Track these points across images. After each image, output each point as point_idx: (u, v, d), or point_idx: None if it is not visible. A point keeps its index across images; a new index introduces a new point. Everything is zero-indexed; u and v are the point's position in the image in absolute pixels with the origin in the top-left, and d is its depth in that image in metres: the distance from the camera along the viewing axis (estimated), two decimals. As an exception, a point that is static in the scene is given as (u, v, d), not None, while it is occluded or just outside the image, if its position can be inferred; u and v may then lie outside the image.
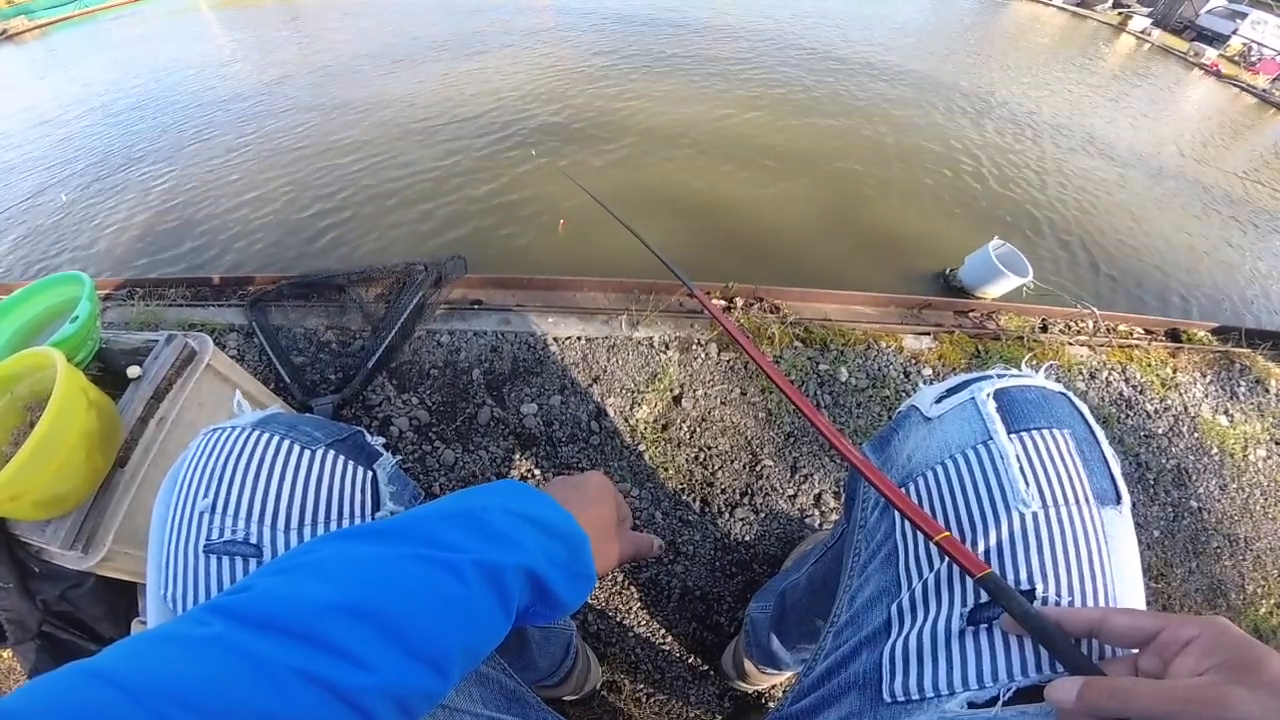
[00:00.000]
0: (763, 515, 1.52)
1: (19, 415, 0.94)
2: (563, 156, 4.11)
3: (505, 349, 1.81)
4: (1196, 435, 1.84)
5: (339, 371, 1.80)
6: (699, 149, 4.25)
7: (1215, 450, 1.83)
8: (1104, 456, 0.51)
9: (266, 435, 0.58)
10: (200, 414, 1.17)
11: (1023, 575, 0.47)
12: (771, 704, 1.32)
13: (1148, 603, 1.46)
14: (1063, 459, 0.50)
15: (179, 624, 0.36)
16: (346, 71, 6.16)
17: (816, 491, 1.56)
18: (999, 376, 0.57)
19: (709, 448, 1.62)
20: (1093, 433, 0.52)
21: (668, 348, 1.80)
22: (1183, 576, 1.58)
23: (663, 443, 1.62)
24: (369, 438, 0.68)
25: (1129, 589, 0.47)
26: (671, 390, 1.72)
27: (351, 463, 0.61)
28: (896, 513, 0.55)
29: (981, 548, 0.49)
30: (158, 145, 4.79)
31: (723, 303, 1.92)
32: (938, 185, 4.15)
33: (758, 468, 1.59)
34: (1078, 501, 0.48)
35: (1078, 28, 15.97)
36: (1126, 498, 0.50)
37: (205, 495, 0.54)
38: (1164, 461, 1.77)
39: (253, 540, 0.53)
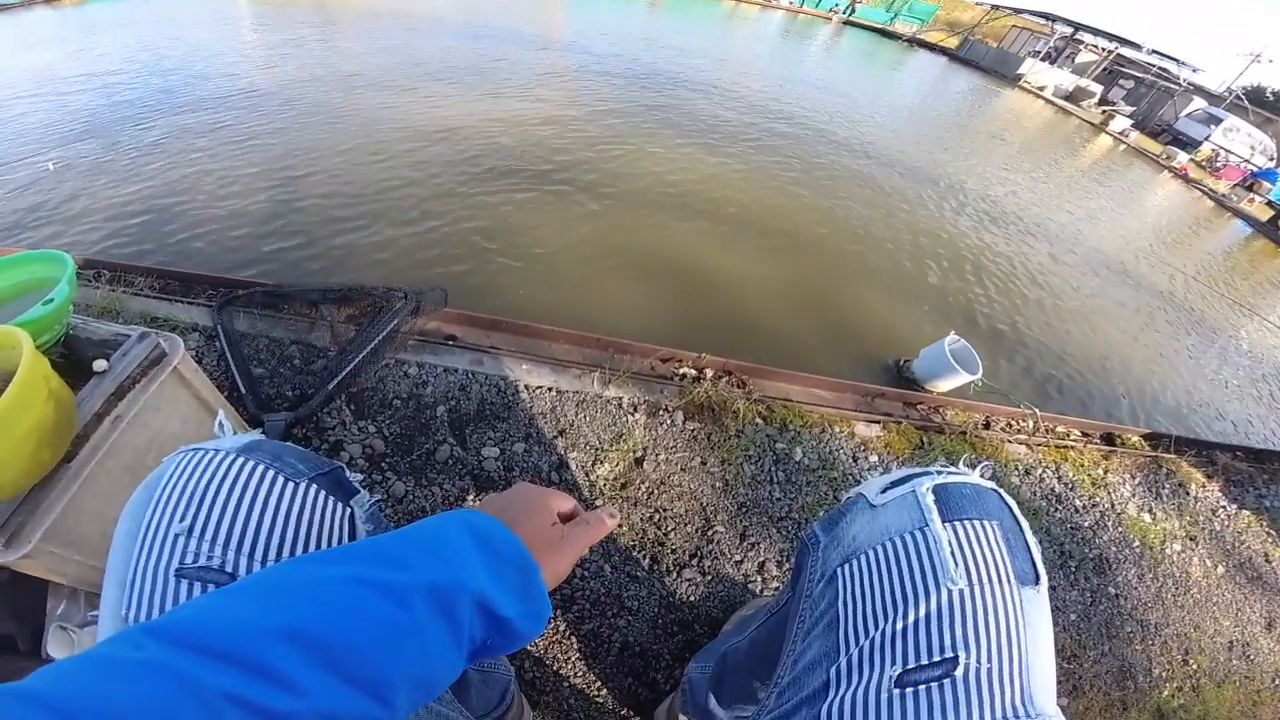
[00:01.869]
0: (709, 578, 1.50)
1: None
2: (561, 201, 4.06)
3: (474, 389, 1.76)
4: (1120, 529, 1.95)
5: (297, 389, 1.71)
6: (687, 213, 4.26)
7: (1136, 543, 1.94)
8: (1026, 544, 0.56)
9: (251, 464, 0.56)
10: (155, 417, 1.09)
11: (948, 642, 0.50)
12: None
13: (1059, 681, 1.49)
14: (989, 544, 0.55)
15: (113, 646, 0.34)
16: (360, 87, 5.96)
17: (762, 559, 1.56)
18: (939, 473, 0.62)
19: (664, 509, 1.60)
20: (1018, 523, 0.58)
21: (636, 410, 1.79)
22: (1095, 659, 1.63)
23: (620, 500, 1.59)
24: (348, 473, 0.67)
25: (1041, 658, 0.51)
26: (634, 452, 1.70)
27: (332, 498, 0.61)
28: (839, 584, 0.60)
29: (912, 617, 0.52)
30: (158, 129, 4.50)
31: (694, 371, 1.93)
32: (908, 274, 4.22)
33: (709, 532, 1.58)
34: (1000, 581, 0.53)
35: (1060, 124, 16.37)
36: (1044, 579, 0.54)
37: (183, 518, 0.51)
38: (1087, 551, 1.86)
39: (228, 569, 0.51)
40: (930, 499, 0.59)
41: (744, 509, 1.64)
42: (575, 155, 4.84)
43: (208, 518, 0.52)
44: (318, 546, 0.57)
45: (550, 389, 1.80)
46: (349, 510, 0.62)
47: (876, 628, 0.54)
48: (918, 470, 0.65)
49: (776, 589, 1.51)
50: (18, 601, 1.06)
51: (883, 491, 0.65)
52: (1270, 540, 2.20)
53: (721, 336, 2.87)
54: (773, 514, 1.65)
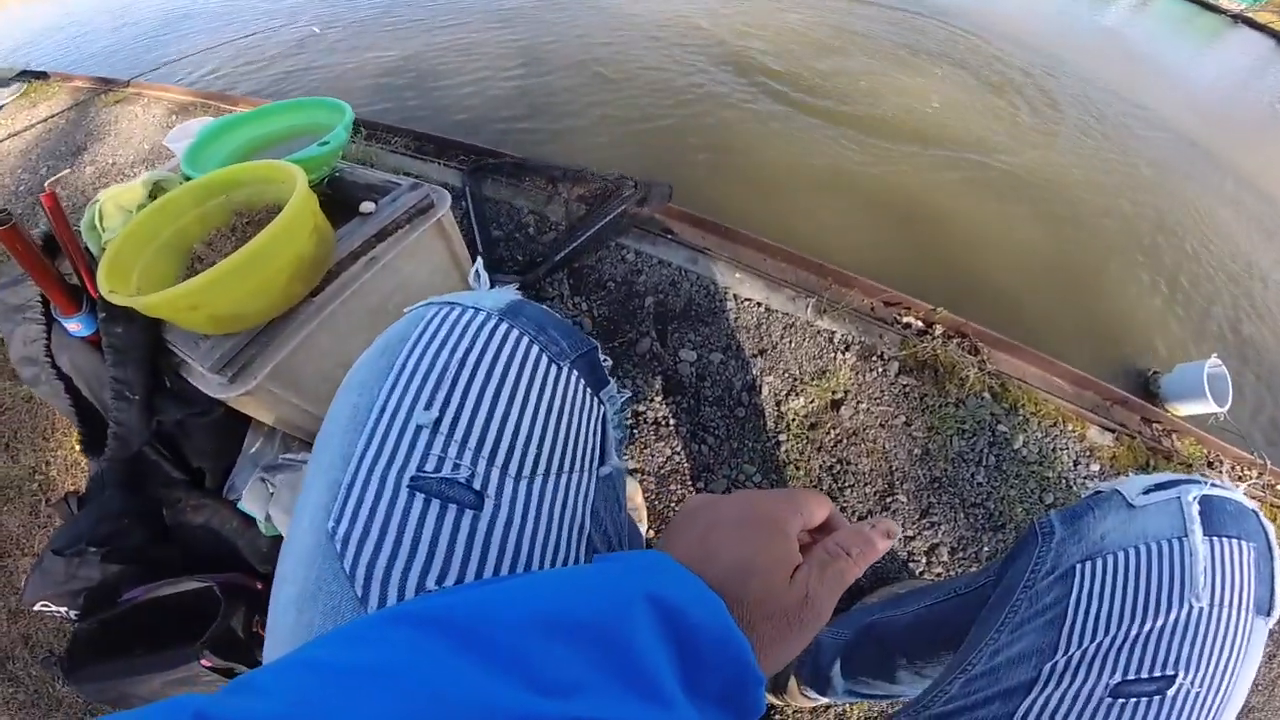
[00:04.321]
0: (871, 545, 1.32)
1: (224, 217, 0.87)
2: (800, 121, 3.61)
3: (684, 287, 1.65)
4: None
5: (526, 255, 1.73)
6: (946, 156, 3.58)
7: None
8: (1273, 572, 0.51)
9: (516, 333, 0.43)
10: (408, 263, 1.09)
11: (1172, 659, 0.46)
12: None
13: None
14: (1241, 567, 0.49)
15: None
16: None
17: (936, 542, 1.34)
18: (1210, 485, 0.55)
19: (848, 463, 1.41)
20: (1271, 550, 0.52)
21: (847, 349, 1.57)
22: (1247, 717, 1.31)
23: (804, 441, 1.43)
24: (601, 355, 0.52)
25: (1242, 691, 0.47)
26: (834, 393, 1.50)
27: (588, 391, 0.47)
28: (1075, 581, 0.54)
29: (1148, 627, 0.48)
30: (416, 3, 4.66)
31: (920, 324, 1.63)
32: (1185, 278, 3.28)
33: (889, 498, 1.38)
34: (1239, 606, 0.48)
35: None
36: (1278, 611, 0.49)
37: (430, 404, 0.38)
38: None
39: (476, 485, 0.37)
40: (1195, 509, 0.52)
41: (937, 484, 1.40)
42: (824, 71, 4.23)
43: (460, 406, 0.39)
44: (573, 459, 0.44)
45: (760, 304, 1.63)
46: (602, 408, 0.49)
47: (1107, 632, 0.49)
48: (1184, 476, 0.57)
49: (938, 575, 1.31)
50: (219, 439, 1.04)
51: (1145, 492, 0.57)
52: None
53: (957, 294, 2.41)
54: (967, 498, 1.39)
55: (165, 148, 1.55)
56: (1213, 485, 0.55)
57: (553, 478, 0.42)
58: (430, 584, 0.35)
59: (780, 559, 0.37)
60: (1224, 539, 0.51)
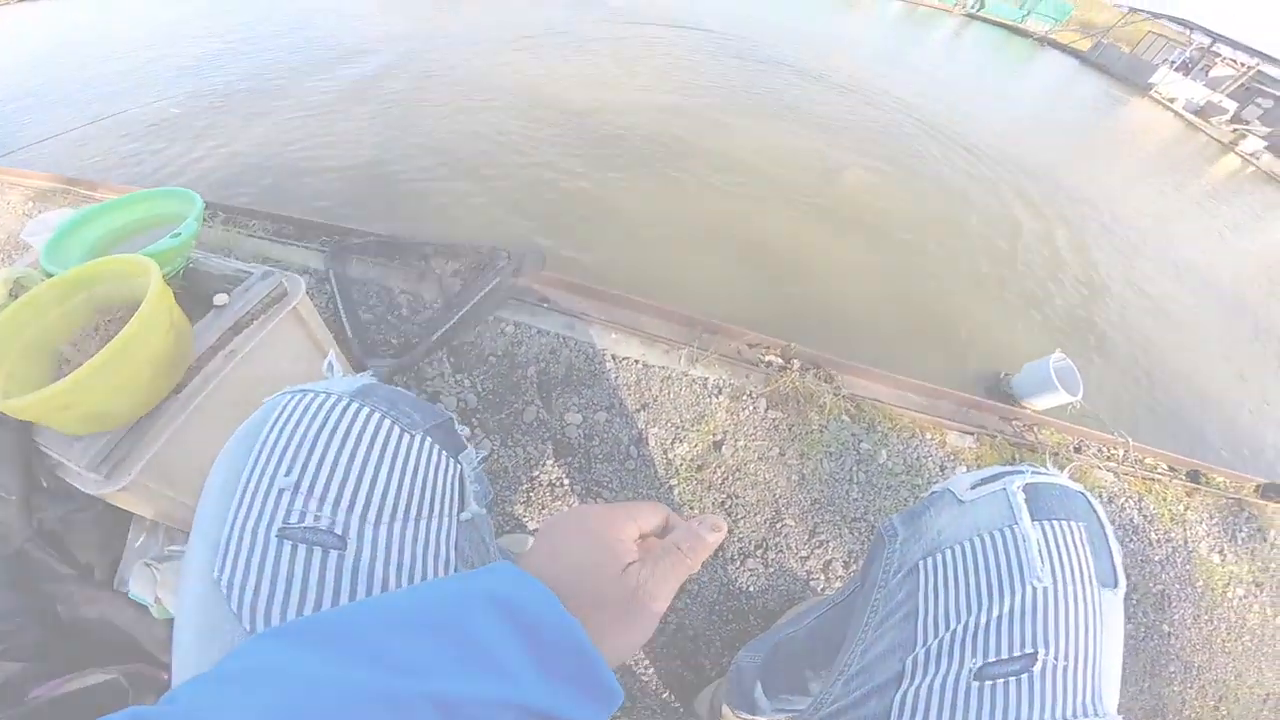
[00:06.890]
0: (771, 570, 1.42)
1: (87, 316, 0.85)
2: (645, 173, 3.89)
3: (564, 354, 1.72)
4: (1188, 567, 1.76)
5: (401, 337, 1.73)
6: (779, 195, 3.98)
7: (1200, 583, 1.75)
8: (1109, 548, 0.55)
9: (367, 411, 0.50)
10: (268, 354, 1.09)
11: (1029, 638, 0.49)
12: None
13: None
14: (1075, 546, 0.53)
15: None
16: (469, 44, 6.03)
17: (829, 558, 1.46)
18: (1032, 473, 0.60)
19: (736, 496, 1.52)
20: (1103, 527, 0.56)
21: (720, 392, 1.70)
22: (1133, 694, 1.50)
23: (694, 482, 1.52)
24: (457, 425, 0.60)
25: (1112, 660, 0.50)
26: (714, 435, 1.62)
27: (444, 454, 0.54)
28: (920, 577, 0.59)
29: (996, 612, 0.51)
30: (275, 81, 4.69)
31: (780, 360, 1.81)
32: (1011, 281, 3.84)
33: (778, 524, 1.49)
34: (1083, 581, 0.51)
35: (1187, 139, 14.03)
36: (1123, 583, 0.53)
37: (289, 471, 0.45)
38: (1151, 586, 1.69)
39: (338, 530, 0.44)
40: (1021, 497, 0.57)
41: (817, 505, 1.54)
42: (673, 132, 4.63)
43: (318, 471, 0.45)
44: (430, 508, 0.50)
45: (637, 361, 1.73)
46: (459, 467, 0.55)
47: (959, 620, 0.53)
48: (1008, 469, 0.62)
49: (839, 588, 1.42)
50: (103, 532, 1.06)
51: (972, 488, 0.62)
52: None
53: (814, 328, 2.68)
54: (847, 514, 1.54)
55: (22, 239, 1.45)
56: (1034, 473, 0.60)
57: (412, 522, 0.48)
58: (307, 614, 0.41)
59: (610, 557, 0.42)
60: (1054, 522, 0.55)
